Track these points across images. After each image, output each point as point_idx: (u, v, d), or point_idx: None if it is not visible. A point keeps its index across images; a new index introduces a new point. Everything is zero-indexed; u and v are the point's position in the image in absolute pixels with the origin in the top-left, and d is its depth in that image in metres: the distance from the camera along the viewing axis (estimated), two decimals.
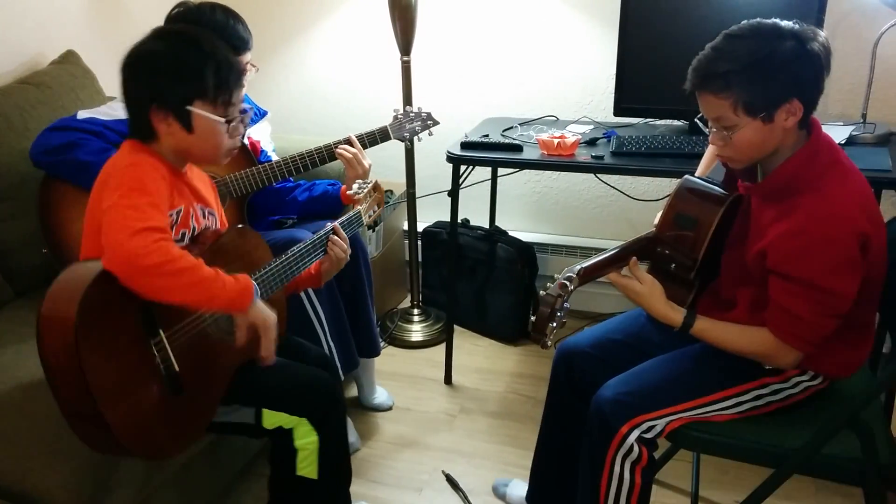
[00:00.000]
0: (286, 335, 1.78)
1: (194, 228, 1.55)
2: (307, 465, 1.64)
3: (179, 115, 1.44)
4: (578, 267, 1.50)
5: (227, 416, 1.59)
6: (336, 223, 1.78)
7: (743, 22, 1.42)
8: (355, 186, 1.93)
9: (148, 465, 1.58)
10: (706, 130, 1.49)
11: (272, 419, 1.61)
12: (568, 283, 1.45)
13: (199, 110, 1.44)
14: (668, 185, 2.76)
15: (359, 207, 1.88)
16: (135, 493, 1.52)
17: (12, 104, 2.05)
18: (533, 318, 1.44)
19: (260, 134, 2.33)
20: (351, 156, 2.15)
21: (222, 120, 1.46)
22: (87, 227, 1.46)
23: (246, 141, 2.21)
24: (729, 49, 1.39)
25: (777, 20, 1.39)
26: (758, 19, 1.41)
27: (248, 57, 2.07)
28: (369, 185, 1.93)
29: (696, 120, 1.49)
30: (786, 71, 1.36)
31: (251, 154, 2.16)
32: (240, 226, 1.65)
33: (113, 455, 1.44)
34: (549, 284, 1.46)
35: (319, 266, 1.80)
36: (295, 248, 1.68)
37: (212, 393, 1.52)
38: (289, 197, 2.28)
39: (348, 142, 2.18)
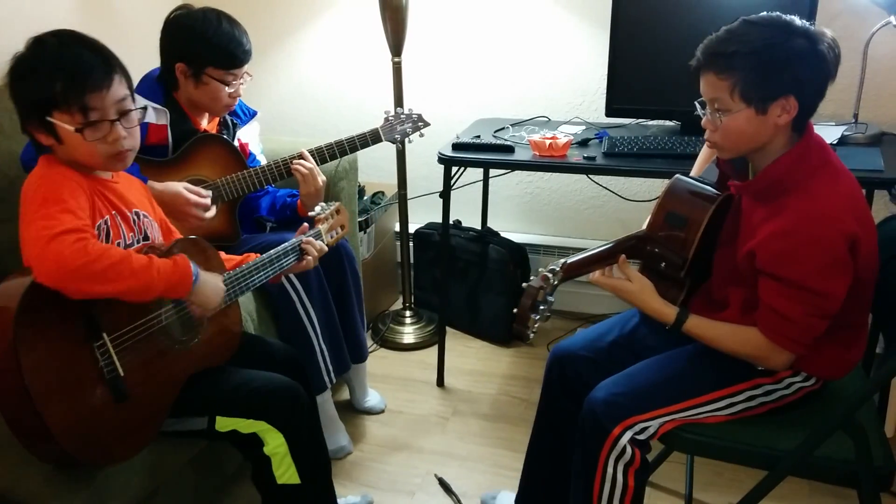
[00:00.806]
0: (248, 335, 1.79)
1: (125, 237, 1.52)
2: (285, 471, 1.62)
3: (46, 128, 1.42)
4: (562, 261, 1.49)
5: (177, 426, 1.58)
6: (298, 239, 1.80)
7: (763, 13, 1.42)
8: (318, 208, 1.92)
9: (141, 473, 1.56)
10: (702, 113, 1.48)
11: (225, 424, 1.59)
12: (550, 276, 1.44)
13: (57, 121, 1.41)
14: (660, 186, 2.74)
15: (319, 227, 1.88)
16: (124, 502, 1.51)
17: (1, 108, 2.03)
18: (515, 310, 1.43)
19: (249, 135, 2.31)
20: (307, 171, 2.12)
21: (71, 129, 1.41)
22: (22, 250, 1.42)
23: (236, 143, 2.20)
24: (741, 32, 1.39)
25: (795, 17, 1.39)
26: (777, 13, 1.41)
27: (245, 67, 2.06)
28: (332, 208, 1.93)
29: (696, 102, 1.48)
30: (790, 66, 1.36)
31: (242, 157, 2.15)
32: (192, 237, 1.63)
33: (61, 464, 1.42)
34: (532, 277, 1.45)
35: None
36: (255, 260, 1.70)
37: (161, 400, 1.51)
38: (254, 203, 2.28)
39: (301, 157, 2.15)
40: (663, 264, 1.58)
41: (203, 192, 1.97)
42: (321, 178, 2.15)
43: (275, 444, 1.59)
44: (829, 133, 2.19)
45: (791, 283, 1.39)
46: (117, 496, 1.47)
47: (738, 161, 1.54)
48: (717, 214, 1.54)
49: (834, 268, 1.37)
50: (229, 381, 1.63)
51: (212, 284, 1.55)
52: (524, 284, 1.45)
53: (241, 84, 2.08)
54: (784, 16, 1.40)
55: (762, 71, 1.37)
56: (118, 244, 1.48)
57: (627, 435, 1.51)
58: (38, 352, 1.27)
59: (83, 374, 1.34)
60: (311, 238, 1.81)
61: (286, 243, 1.75)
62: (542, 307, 1.42)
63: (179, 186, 1.93)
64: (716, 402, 1.52)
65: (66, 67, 1.41)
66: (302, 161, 2.13)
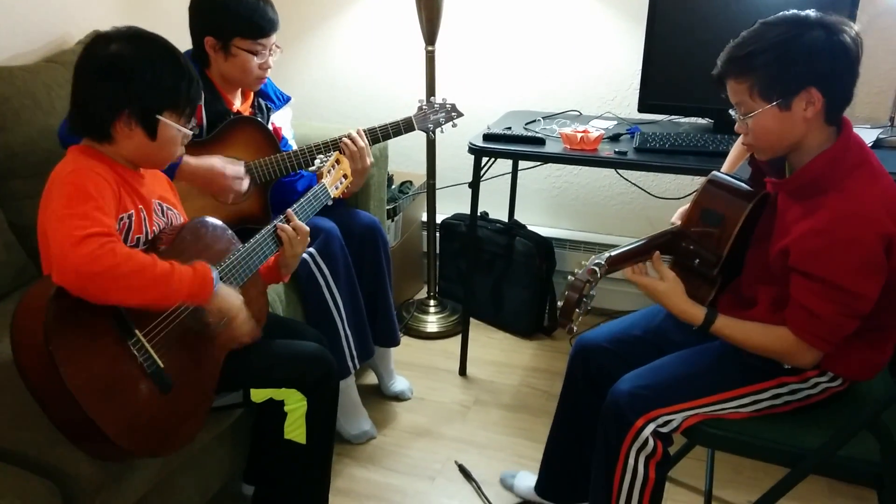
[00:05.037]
0: (279, 318, 1.80)
1: (148, 233, 1.52)
2: (295, 429, 1.68)
3: (146, 123, 1.44)
4: (607, 255, 1.50)
5: (216, 402, 1.60)
6: (291, 209, 1.74)
7: (781, 12, 1.42)
8: (317, 161, 1.92)
9: None
10: (735, 119, 1.49)
11: (260, 395, 1.65)
12: (597, 270, 1.45)
13: (167, 120, 1.46)
14: (689, 184, 2.75)
15: (323, 181, 1.86)
16: (156, 472, 1.54)
17: (40, 82, 2.07)
18: (560, 304, 1.44)
19: (282, 120, 2.33)
20: (356, 150, 2.12)
21: (188, 131, 1.49)
22: (40, 240, 1.45)
23: (270, 127, 2.22)
24: (758, 33, 1.40)
25: (812, 11, 1.39)
26: (794, 11, 1.40)
27: (273, 38, 2.08)
28: (332, 158, 1.92)
29: (730, 111, 1.49)
30: (806, 58, 1.36)
31: (275, 140, 2.17)
32: (199, 218, 1.62)
33: (120, 461, 1.44)
34: (576, 271, 1.46)
35: (276, 260, 1.75)
36: (255, 236, 1.66)
37: (205, 381, 1.53)
38: (290, 187, 2.29)
39: (351, 137, 2.14)
40: (696, 261, 1.57)
41: (237, 162, 2.00)
42: (370, 159, 2.16)
43: (296, 403, 1.66)
44: (864, 136, 2.16)
45: (823, 282, 1.39)
46: (147, 465, 1.50)
47: (774, 159, 1.53)
48: (754, 213, 1.53)
49: (868, 268, 1.37)
50: (261, 355, 1.66)
51: (229, 297, 1.51)
52: (569, 278, 1.45)
53: (271, 56, 2.09)
54: (801, 11, 1.40)
55: (777, 67, 1.37)
56: (138, 239, 1.49)
57: (650, 427, 1.52)
58: (76, 359, 1.27)
59: (125, 373, 1.35)
60: (283, 224, 1.70)
61: (263, 230, 1.68)
62: (585, 300, 1.43)
63: (214, 159, 1.97)
64: (740, 399, 1.52)
65: (194, 79, 1.49)
66: (355, 137, 2.14)
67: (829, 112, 1.39)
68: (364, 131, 2.18)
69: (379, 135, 2.21)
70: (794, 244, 1.42)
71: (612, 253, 1.51)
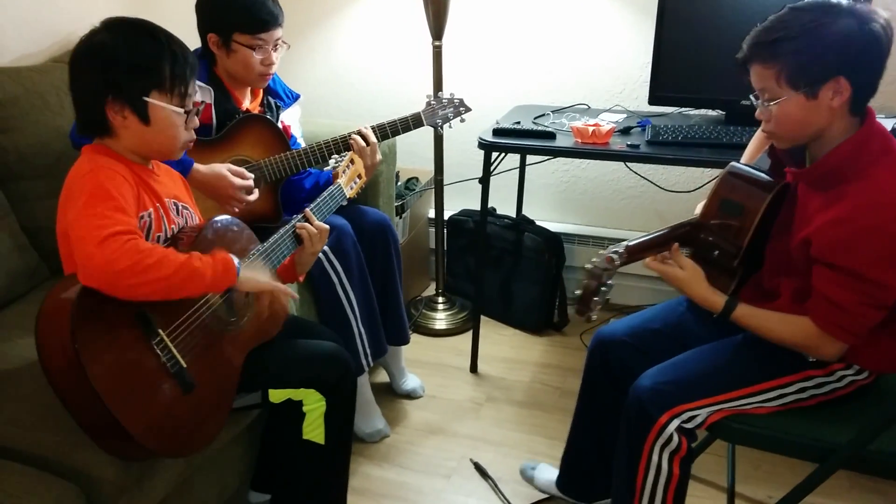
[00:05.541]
0: (296, 318, 1.79)
1: (167, 231, 1.51)
2: (314, 429, 1.67)
3: (136, 107, 1.42)
4: (625, 244, 1.49)
5: (235, 403, 1.59)
6: (309, 207, 1.73)
7: None
8: (332, 161, 1.91)
9: None
10: (756, 105, 1.47)
11: (279, 395, 1.64)
12: (615, 258, 1.44)
13: (156, 101, 1.43)
14: (699, 177, 2.74)
15: (339, 181, 1.85)
16: (178, 473, 1.53)
17: (48, 83, 2.05)
18: (578, 292, 1.43)
19: (291, 118, 2.31)
20: (366, 146, 2.09)
21: (180, 110, 1.46)
22: (60, 241, 1.44)
23: (280, 125, 2.20)
24: (786, 19, 1.38)
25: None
26: None
27: (278, 33, 2.05)
28: (346, 158, 1.91)
29: (751, 96, 1.47)
30: (835, 46, 1.34)
31: (285, 138, 2.15)
32: (220, 216, 1.61)
33: (145, 459, 1.43)
34: (593, 259, 1.45)
35: (292, 258, 1.74)
36: (274, 235, 1.65)
37: (226, 381, 1.52)
38: (297, 184, 2.27)
39: (361, 133, 2.13)
40: (716, 252, 1.56)
41: (247, 173, 1.98)
42: (378, 156, 2.14)
43: (315, 404, 1.65)
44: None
45: (846, 272, 1.37)
46: (168, 466, 1.49)
47: (794, 148, 1.52)
48: (774, 203, 1.52)
49: (892, 257, 1.35)
50: (279, 356, 1.65)
51: (258, 273, 1.54)
52: (587, 266, 1.45)
53: (275, 52, 2.07)
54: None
55: (806, 55, 1.35)
56: (158, 237, 1.48)
57: (675, 423, 1.50)
58: (101, 358, 1.26)
59: (149, 373, 1.34)
60: (304, 223, 1.70)
61: (281, 230, 1.68)
62: (603, 289, 1.42)
63: (223, 169, 1.94)
64: (766, 393, 1.51)
65: (178, 53, 1.44)
66: (366, 133, 2.12)
67: (854, 102, 1.38)
68: (373, 128, 2.16)
69: (388, 131, 2.19)
70: (815, 234, 1.41)
71: (630, 243, 1.50)
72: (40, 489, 1.28)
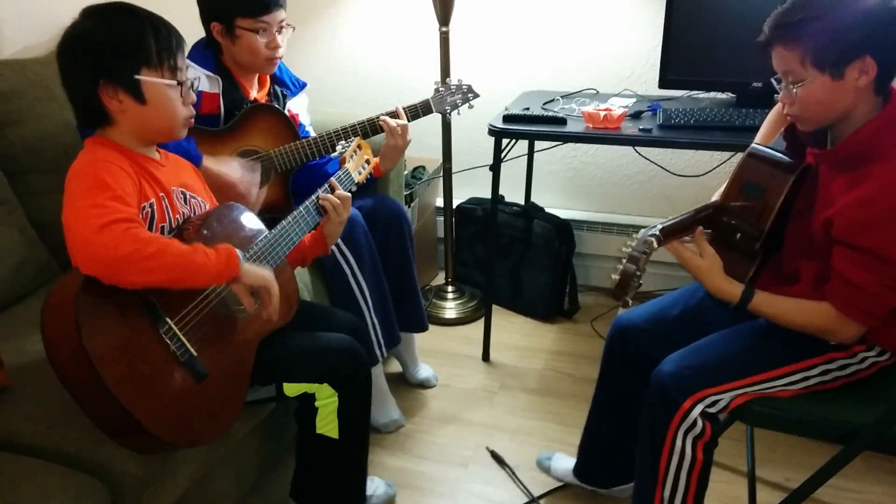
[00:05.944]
0: (310, 304, 1.77)
1: (171, 221, 1.49)
2: (327, 424, 1.66)
3: (129, 88, 1.40)
4: (659, 226, 1.47)
5: (249, 395, 1.58)
6: (332, 178, 1.75)
7: None
8: (339, 147, 1.89)
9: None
10: (778, 88, 1.45)
11: (294, 389, 1.63)
12: (653, 240, 1.43)
13: (147, 77, 1.41)
14: (708, 161, 2.72)
15: (346, 166, 1.84)
16: (198, 466, 1.52)
17: (53, 75, 1.99)
18: (616, 277, 1.42)
19: (298, 107, 2.29)
20: (397, 127, 2.08)
21: (174, 83, 1.43)
22: (66, 234, 1.40)
23: (287, 113, 2.18)
24: (807, 0, 1.36)
25: None
26: None
27: (281, 15, 2.02)
28: (354, 144, 1.90)
29: (772, 79, 1.45)
30: (859, 24, 1.32)
31: (294, 127, 2.13)
32: (226, 204, 1.60)
33: (160, 451, 1.42)
34: (629, 243, 1.44)
35: (321, 230, 1.75)
36: (287, 218, 1.63)
37: (240, 368, 1.50)
38: (321, 170, 2.24)
39: (394, 114, 2.13)
40: (738, 235, 1.54)
41: (254, 191, 1.96)
42: (409, 136, 2.13)
43: (327, 399, 1.64)
44: None
45: (866, 252, 1.36)
46: (188, 460, 1.48)
47: (817, 129, 1.50)
48: (796, 185, 1.51)
49: None
50: (293, 349, 1.64)
51: (259, 271, 1.49)
52: (624, 249, 1.43)
53: (280, 35, 2.04)
54: None
55: (831, 34, 1.33)
56: (162, 227, 1.46)
57: (699, 408, 1.49)
58: (106, 348, 1.24)
59: (158, 362, 1.32)
60: (326, 195, 1.71)
61: (305, 202, 1.68)
62: (639, 273, 1.41)
63: (230, 166, 1.92)
64: (789, 376, 1.50)
65: (160, 26, 1.42)
66: (399, 112, 2.12)
67: (879, 81, 1.36)
68: (374, 118, 2.14)
69: None
70: (838, 215, 1.39)
71: (663, 224, 1.49)
72: (64, 485, 1.26)
